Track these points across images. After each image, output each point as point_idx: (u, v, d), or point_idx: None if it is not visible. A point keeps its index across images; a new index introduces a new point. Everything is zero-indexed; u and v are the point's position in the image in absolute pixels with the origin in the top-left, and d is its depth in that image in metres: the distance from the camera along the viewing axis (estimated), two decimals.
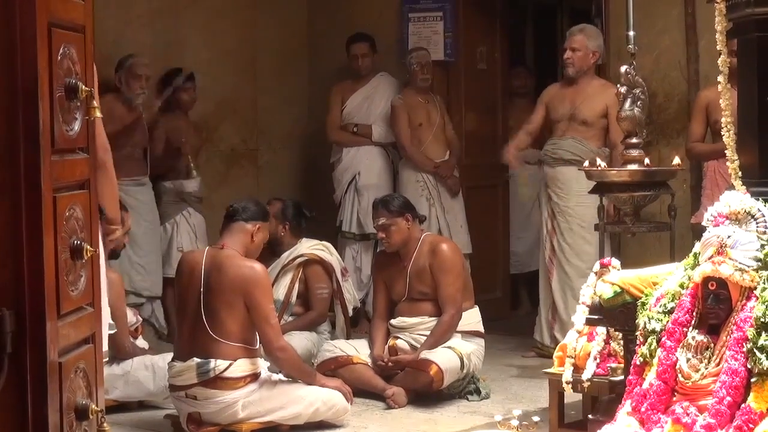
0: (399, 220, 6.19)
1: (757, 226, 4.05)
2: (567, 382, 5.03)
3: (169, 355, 5.60)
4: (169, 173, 7.54)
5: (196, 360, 5.31)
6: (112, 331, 5.15)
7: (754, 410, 3.73)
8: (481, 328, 6.35)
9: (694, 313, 4.04)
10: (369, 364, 6.19)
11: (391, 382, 6.10)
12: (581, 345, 5.11)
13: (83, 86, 2.84)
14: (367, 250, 7.93)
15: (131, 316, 6.13)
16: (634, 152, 5.49)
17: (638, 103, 5.53)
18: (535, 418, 4.30)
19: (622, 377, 4.58)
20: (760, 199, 4.17)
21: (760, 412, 3.73)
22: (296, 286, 6.64)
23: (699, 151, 6.52)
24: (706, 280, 3.98)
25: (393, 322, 6.28)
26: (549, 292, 7.03)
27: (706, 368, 3.93)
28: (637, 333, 4.20)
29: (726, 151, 4.54)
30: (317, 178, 8.53)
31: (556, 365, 5.28)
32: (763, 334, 3.78)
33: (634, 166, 5.46)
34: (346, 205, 8.04)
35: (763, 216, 4.06)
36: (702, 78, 6.94)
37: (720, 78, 4.55)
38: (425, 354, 6.04)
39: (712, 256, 3.98)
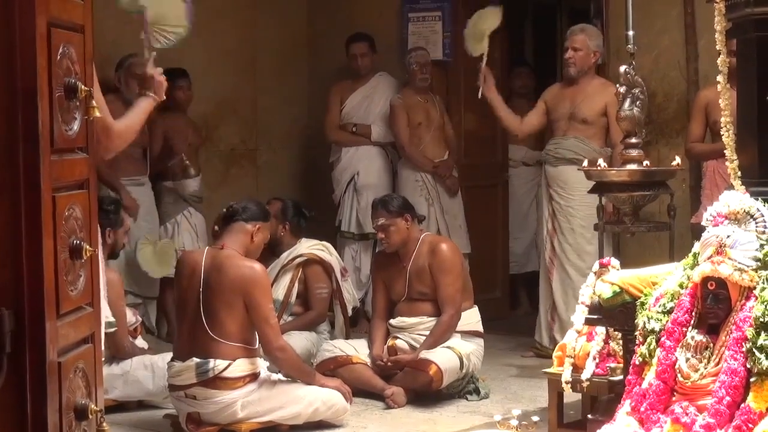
0: (398, 220, 6.19)
1: (757, 226, 4.05)
2: (566, 382, 5.03)
3: (169, 355, 5.60)
4: (168, 173, 7.54)
5: (196, 360, 5.31)
6: (110, 330, 5.16)
7: (753, 410, 3.73)
8: (481, 328, 6.36)
9: (694, 313, 4.04)
10: (368, 363, 6.19)
11: (391, 382, 6.10)
12: (580, 345, 5.11)
13: (82, 86, 2.85)
14: (366, 249, 7.93)
15: (130, 316, 6.13)
16: (634, 152, 5.50)
17: (637, 102, 5.53)
18: (535, 418, 4.30)
19: (621, 377, 4.58)
20: (760, 198, 4.17)
21: (760, 412, 3.73)
22: (296, 285, 6.64)
23: (698, 150, 6.52)
24: (706, 279, 3.98)
25: (392, 322, 6.28)
26: (549, 292, 7.03)
27: (706, 368, 3.93)
28: (637, 333, 4.20)
29: (725, 151, 4.54)
30: (316, 177, 8.53)
31: (556, 365, 5.28)
32: (763, 334, 3.78)
33: (633, 166, 5.46)
34: (345, 204, 8.04)
35: (763, 216, 4.06)
36: (701, 78, 6.94)
37: (719, 78, 4.55)
38: (424, 354, 6.04)
39: (711, 256, 3.98)
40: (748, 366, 3.80)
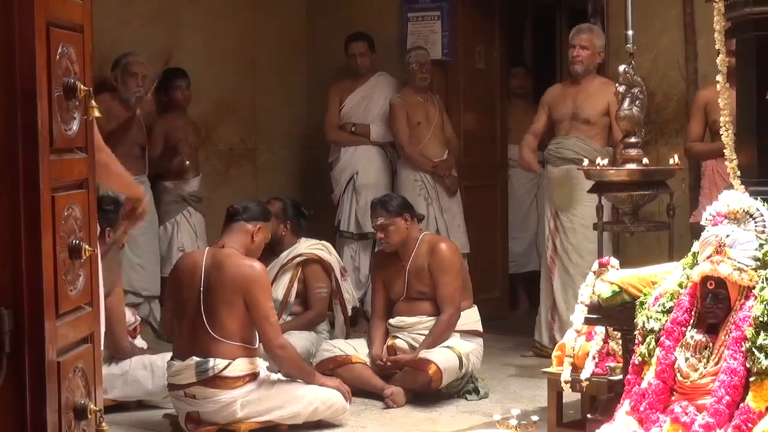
0: (397, 219, 6.19)
1: (756, 226, 4.05)
2: (566, 382, 5.03)
3: (168, 355, 5.60)
4: (168, 173, 7.54)
5: (195, 359, 5.32)
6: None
7: (752, 409, 3.73)
8: (480, 328, 6.36)
9: (693, 313, 4.04)
10: (368, 363, 6.19)
11: (390, 382, 6.10)
12: (580, 344, 5.11)
13: (82, 86, 2.84)
14: (365, 249, 7.93)
15: (130, 316, 6.13)
16: (633, 152, 5.50)
17: (637, 102, 5.53)
18: (534, 418, 4.30)
19: (620, 376, 4.57)
20: (759, 198, 4.17)
21: (759, 411, 3.73)
22: (295, 285, 6.64)
23: (697, 150, 6.52)
24: (705, 279, 3.98)
25: (392, 321, 6.28)
26: (550, 292, 7.03)
27: (705, 367, 3.93)
28: (636, 332, 4.20)
29: (724, 151, 4.54)
30: (316, 177, 8.53)
31: (555, 365, 5.29)
32: (762, 334, 3.78)
33: (632, 166, 5.46)
34: (345, 204, 8.04)
35: (762, 215, 4.06)
36: (700, 77, 6.95)
37: (718, 77, 4.55)
38: (424, 353, 6.05)
39: (710, 256, 3.98)
40: (748, 365, 3.80)
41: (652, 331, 4.10)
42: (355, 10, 8.49)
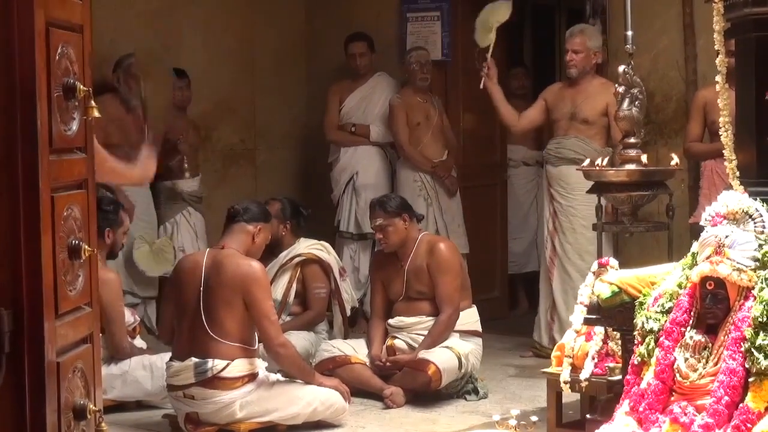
0: (396, 220, 6.19)
1: (755, 226, 4.05)
2: (565, 382, 5.04)
3: (167, 355, 5.60)
4: (167, 173, 7.54)
5: (194, 360, 5.32)
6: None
7: (752, 410, 3.74)
8: (479, 328, 6.36)
9: (692, 313, 4.04)
10: (367, 363, 6.19)
11: (389, 382, 6.10)
12: (579, 345, 5.11)
13: (81, 86, 2.84)
14: (364, 249, 7.93)
15: (129, 316, 6.13)
16: (632, 152, 5.50)
17: (636, 102, 5.52)
18: (533, 418, 4.30)
19: (620, 377, 4.58)
20: (758, 198, 4.17)
21: (758, 412, 3.73)
22: (294, 285, 6.64)
23: (697, 150, 6.53)
24: (704, 279, 3.98)
25: (391, 321, 6.28)
26: (549, 292, 7.03)
27: (704, 368, 3.93)
28: (635, 333, 4.20)
29: (724, 151, 4.54)
30: (315, 177, 8.53)
31: (554, 365, 5.28)
32: (761, 334, 3.78)
33: (632, 166, 5.46)
34: (344, 204, 8.04)
35: (761, 216, 4.07)
36: (700, 78, 6.95)
37: (718, 78, 4.55)
38: (423, 354, 6.04)
39: (710, 256, 3.98)
40: (747, 366, 3.80)
41: (651, 331, 4.10)
42: (354, 10, 8.49)
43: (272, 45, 8.54)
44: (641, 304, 4.25)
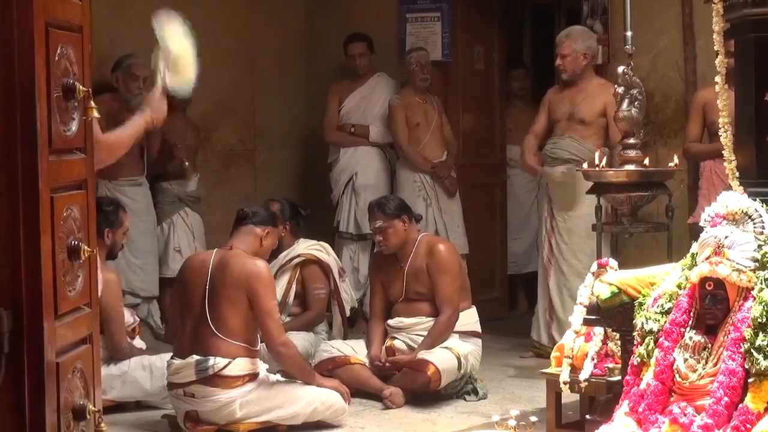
0: (395, 222, 6.19)
1: (755, 227, 4.05)
2: (564, 383, 5.04)
3: (167, 356, 5.60)
4: (167, 173, 7.54)
5: (196, 357, 5.32)
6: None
7: (751, 410, 3.74)
8: (479, 329, 6.36)
9: (692, 314, 4.04)
10: (366, 364, 6.19)
11: (389, 383, 6.10)
12: (579, 345, 5.11)
13: (81, 86, 2.84)
14: (364, 250, 7.93)
15: (128, 317, 6.13)
16: (632, 153, 5.50)
17: (635, 103, 5.53)
18: (533, 419, 4.30)
19: (619, 377, 4.58)
20: (758, 199, 4.17)
21: (758, 413, 3.73)
22: (293, 286, 6.64)
23: (696, 151, 6.53)
24: (704, 280, 3.98)
25: (390, 322, 6.28)
26: (546, 292, 7.03)
27: (704, 368, 3.93)
28: (635, 333, 4.21)
29: (723, 152, 4.54)
30: (315, 178, 8.53)
31: (554, 365, 5.29)
32: (761, 335, 3.79)
33: (631, 167, 5.47)
34: (344, 205, 8.04)
35: (760, 216, 4.07)
36: (699, 78, 6.95)
37: (717, 78, 4.55)
38: (422, 354, 6.04)
39: (709, 257, 3.99)
40: (746, 366, 3.80)
41: (650, 332, 4.10)
42: (353, 10, 8.49)
43: (272, 45, 8.54)
44: (641, 304, 4.25)
